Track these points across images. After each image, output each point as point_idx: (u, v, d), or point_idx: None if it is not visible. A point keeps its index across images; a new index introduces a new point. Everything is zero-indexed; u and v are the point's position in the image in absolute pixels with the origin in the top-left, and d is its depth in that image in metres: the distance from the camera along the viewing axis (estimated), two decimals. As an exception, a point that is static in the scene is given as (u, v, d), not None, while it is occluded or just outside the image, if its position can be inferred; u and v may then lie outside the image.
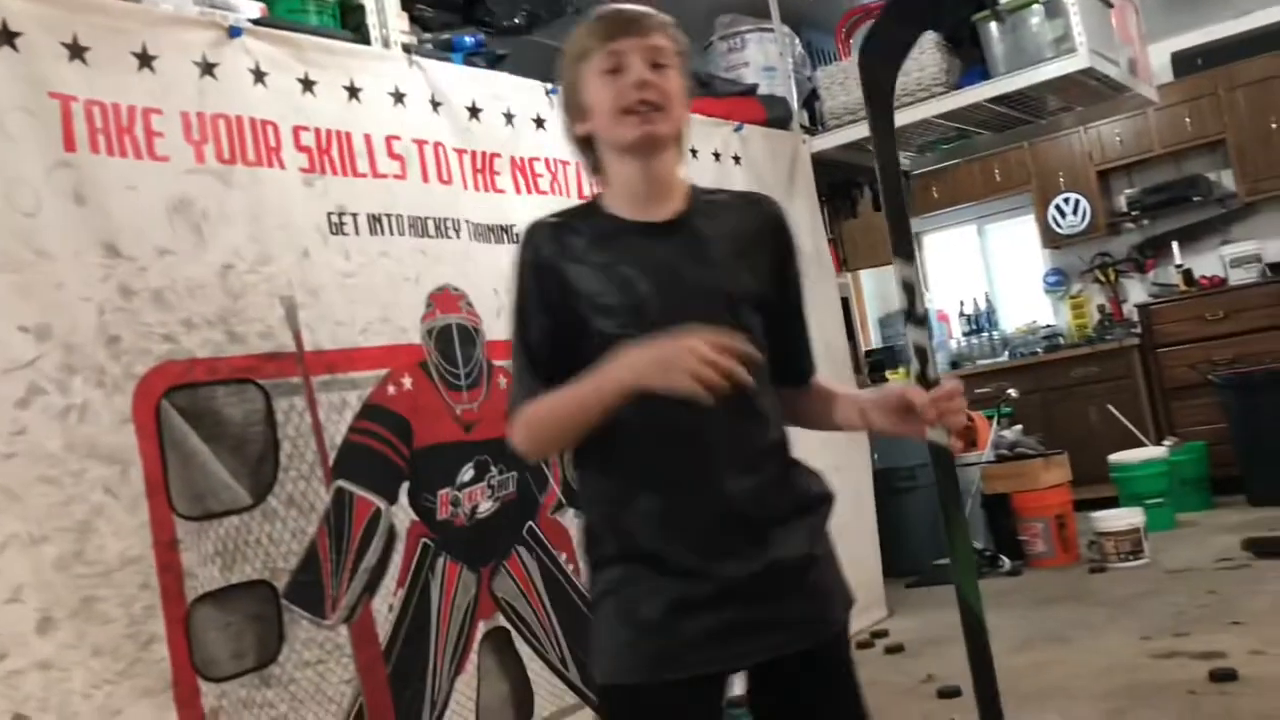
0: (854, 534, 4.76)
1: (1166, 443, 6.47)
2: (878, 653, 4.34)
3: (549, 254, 1.60)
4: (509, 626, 3.15)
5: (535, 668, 3.19)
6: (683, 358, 1.38)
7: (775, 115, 4.91)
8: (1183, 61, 7.03)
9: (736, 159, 4.48)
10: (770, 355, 1.61)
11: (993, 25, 4.56)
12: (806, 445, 4.49)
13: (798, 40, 5.40)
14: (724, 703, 1.62)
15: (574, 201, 3.62)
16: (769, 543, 1.53)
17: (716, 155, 4.39)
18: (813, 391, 1.74)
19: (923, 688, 3.74)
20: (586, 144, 1.64)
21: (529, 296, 1.62)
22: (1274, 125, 6.63)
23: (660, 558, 1.52)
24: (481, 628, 3.07)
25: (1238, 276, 6.84)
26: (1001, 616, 4.52)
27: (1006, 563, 5.43)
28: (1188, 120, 6.91)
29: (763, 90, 5.02)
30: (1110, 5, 4.71)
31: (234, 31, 2.71)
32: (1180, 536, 5.70)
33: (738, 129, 4.54)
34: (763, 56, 5.17)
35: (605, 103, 1.56)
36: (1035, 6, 4.45)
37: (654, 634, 1.51)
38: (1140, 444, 6.36)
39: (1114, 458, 6.12)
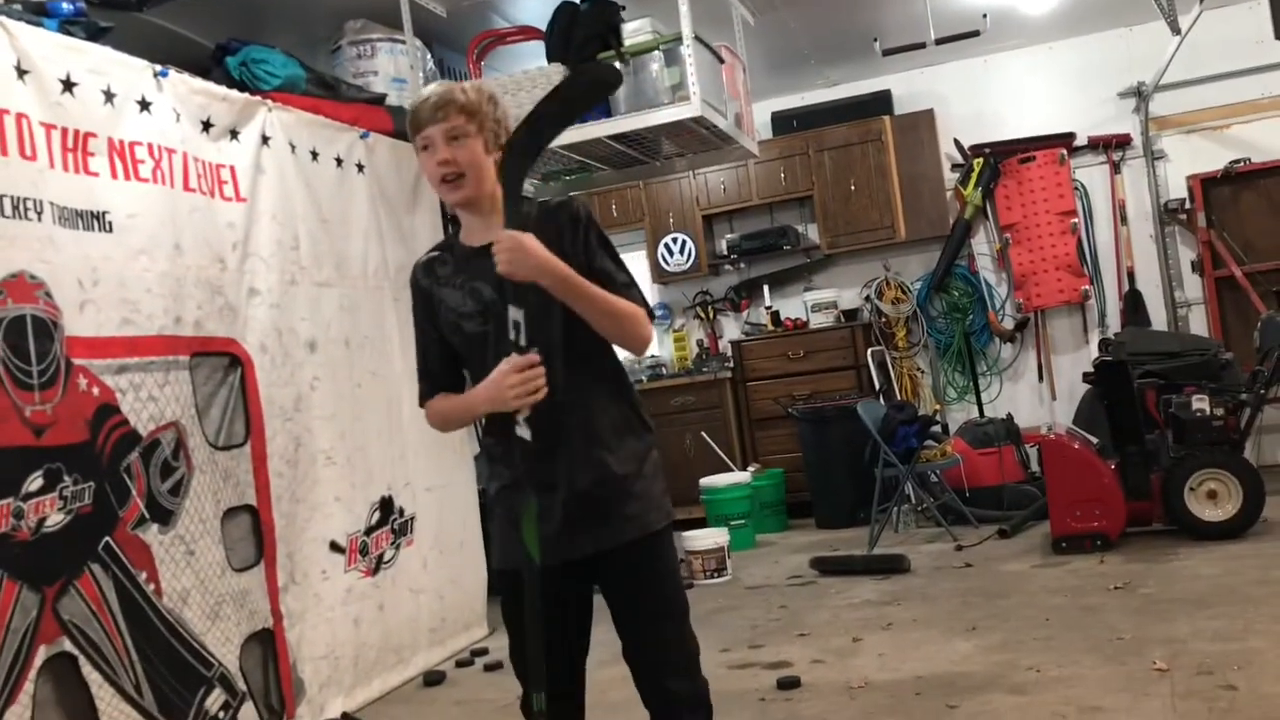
0: (457, 552, 4.78)
1: (750, 469, 7.02)
2: (476, 670, 4.35)
3: (426, 284, 2.20)
4: (75, 651, 2.86)
5: (105, 696, 2.92)
6: (503, 392, 2.01)
7: (403, 127, 4.83)
8: (781, 121, 7.70)
9: (360, 166, 4.39)
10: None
11: (616, 66, 4.77)
12: (414, 464, 4.44)
13: (429, 55, 5.38)
14: None
15: (178, 191, 3.42)
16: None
17: (339, 160, 4.27)
18: None
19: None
20: None
21: (417, 316, 2.23)
22: (853, 187, 7.42)
23: None
24: (42, 653, 2.77)
25: (817, 320, 7.57)
26: (596, 632, 4.67)
27: (604, 581, 5.64)
28: (782, 175, 7.58)
29: (391, 101, 4.95)
30: (721, 61, 5.07)
31: None
32: (759, 555, 6.19)
33: (364, 136, 4.44)
34: (393, 67, 5.10)
35: (428, 176, 2.14)
36: (656, 53, 4.70)
37: None
38: (729, 469, 6.86)
39: (704, 481, 6.56)
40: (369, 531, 4.17)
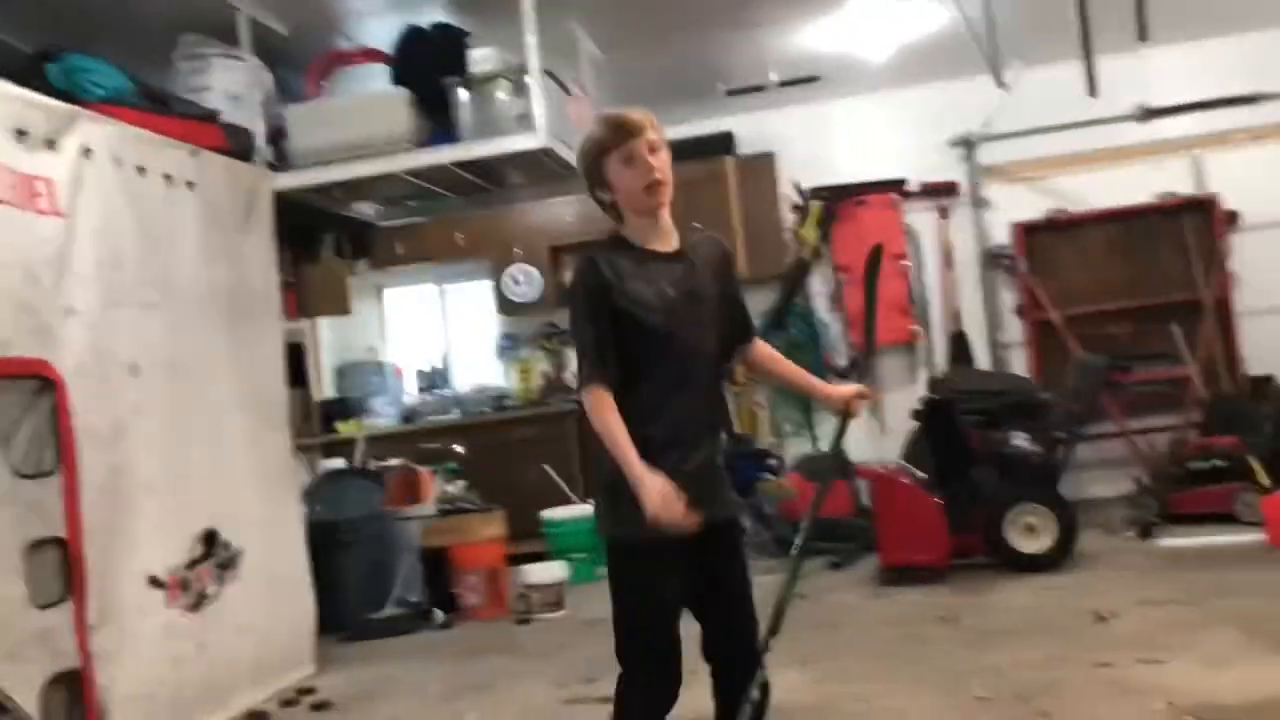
0: (285, 588, 4.61)
1: (593, 502, 6.99)
2: (302, 709, 4.19)
3: (609, 276, 2.36)
4: None
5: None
6: (662, 513, 2.30)
7: (238, 145, 4.71)
8: (628, 157, 7.75)
9: (190, 184, 4.22)
10: (729, 326, 2.52)
11: (462, 92, 4.74)
12: (241, 495, 4.27)
13: (270, 74, 5.23)
14: None
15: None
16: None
17: (168, 177, 4.10)
18: (759, 349, 2.63)
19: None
20: (611, 204, 2.46)
21: (595, 305, 2.35)
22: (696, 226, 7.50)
23: None
24: None
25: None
26: (430, 669, 4.58)
27: (440, 616, 5.53)
28: (629, 210, 7.61)
29: (226, 118, 4.79)
30: (569, 94, 5.10)
31: None
32: (600, 589, 6.09)
33: (194, 153, 4.28)
34: (228, 84, 4.94)
35: (630, 183, 2.38)
36: (501, 81, 4.69)
37: None
38: (571, 502, 6.82)
39: (546, 514, 6.51)
40: (191, 565, 3.98)
